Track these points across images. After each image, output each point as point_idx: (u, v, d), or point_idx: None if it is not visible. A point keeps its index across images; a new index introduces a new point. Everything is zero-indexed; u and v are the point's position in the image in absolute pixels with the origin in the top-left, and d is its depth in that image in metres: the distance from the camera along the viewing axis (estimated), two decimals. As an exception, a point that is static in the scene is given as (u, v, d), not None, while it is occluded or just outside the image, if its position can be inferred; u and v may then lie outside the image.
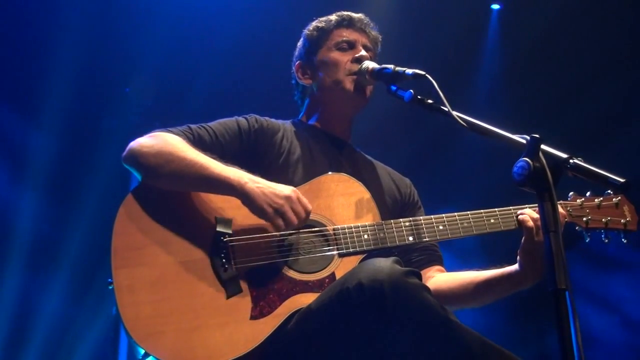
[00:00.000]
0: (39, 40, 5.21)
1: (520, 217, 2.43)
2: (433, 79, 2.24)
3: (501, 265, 2.50)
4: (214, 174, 2.30)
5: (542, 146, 1.78)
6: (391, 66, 2.50)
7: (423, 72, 2.32)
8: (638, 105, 5.74)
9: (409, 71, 2.39)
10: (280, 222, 2.26)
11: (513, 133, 1.96)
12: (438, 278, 2.64)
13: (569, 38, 5.63)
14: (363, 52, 2.72)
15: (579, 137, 5.37)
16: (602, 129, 5.75)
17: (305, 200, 2.30)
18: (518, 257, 2.42)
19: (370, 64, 2.64)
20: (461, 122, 2.13)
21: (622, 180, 1.73)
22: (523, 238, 2.40)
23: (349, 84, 2.70)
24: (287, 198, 2.27)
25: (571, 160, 1.77)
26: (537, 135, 1.78)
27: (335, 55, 2.75)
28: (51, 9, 5.08)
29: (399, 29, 5.38)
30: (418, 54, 5.34)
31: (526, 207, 2.45)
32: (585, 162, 1.77)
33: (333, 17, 2.82)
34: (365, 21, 2.83)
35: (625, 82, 5.55)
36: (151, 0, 5.28)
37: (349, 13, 2.82)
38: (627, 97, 5.68)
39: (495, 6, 5.90)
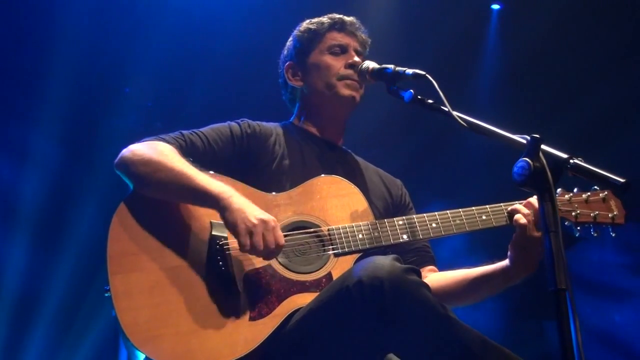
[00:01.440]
0: (38, 41, 5.20)
1: (512, 213, 2.43)
2: (433, 78, 2.23)
3: (492, 261, 2.50)
4: (198, 186, 2.28)
5: (542, 146, 1.77)
6: (391, 66, 2.49)
7: (423, 72, 2.31)
8: (638, 105, 5.73)
9: (409, 71, 2.38)
10: (247, 241, 2.18)
11: (513, 133, 1.96)
12: (431, 278, 2.65)
13: (569, 38, 5.62)
14: (356, 58, 2.73)
15: (579, 137, 5.36)
16: (602, 129, 5.74)
17: (280, 234, 2.23)
18: (509, 252, 2.43)
19: (370, 64, 2.62)
20: (461, 122, 2.12)
21: (622, 180, 1.73)
22: (515, 233, 2.40)
23: (340, 88, 2.71)
24: (264, 222, 2.20)
25: (571, 161, 1.77)
26: (537, 135, 1.78)
27: (328, 59, 2.75)
28: (50, 10, 5.07)
29: (398, 29, 5.39)
30: (418, 54, 5.34)
31: (515, 204, 2.45)
32: (585, 162, 1.77)
33: (325, 20, 2.82)
34: (356, 25, 2.83)
35: (626, 81, 5.54)
36: (151, 1, 5.27)
37: (340, 16, 2.82)
38: (627, 96, 5.67)
39: (495, 6, 5.89)
